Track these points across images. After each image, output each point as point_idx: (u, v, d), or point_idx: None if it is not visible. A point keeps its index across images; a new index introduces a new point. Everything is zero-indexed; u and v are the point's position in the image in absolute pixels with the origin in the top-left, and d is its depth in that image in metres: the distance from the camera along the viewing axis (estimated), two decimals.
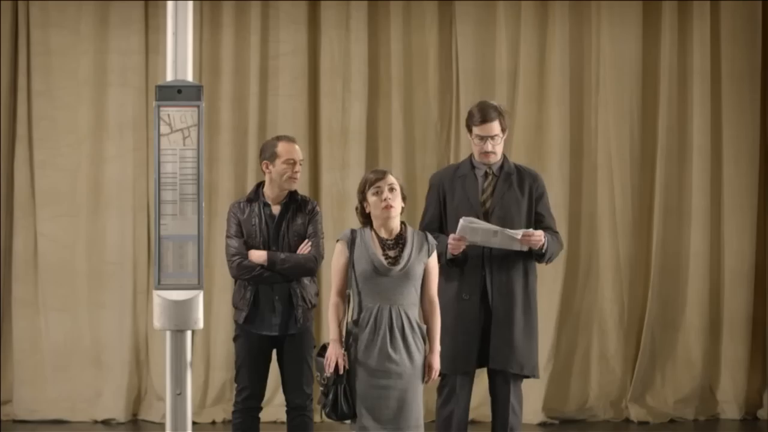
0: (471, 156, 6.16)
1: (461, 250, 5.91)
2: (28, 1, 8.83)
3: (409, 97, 8.93)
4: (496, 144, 6.04)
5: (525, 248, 5.95)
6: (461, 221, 5.86)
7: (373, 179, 5.57)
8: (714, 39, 8.95)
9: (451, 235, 5.91)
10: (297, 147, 6.29)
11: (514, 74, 8.94)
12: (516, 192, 6.06)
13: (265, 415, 6.48)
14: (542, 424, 8.73)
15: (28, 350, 8.79)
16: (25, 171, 8.84)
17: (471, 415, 8.33)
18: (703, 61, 8.91)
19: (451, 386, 6.01)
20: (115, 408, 8.72)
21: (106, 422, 8.73)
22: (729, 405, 8.88)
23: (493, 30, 8.94)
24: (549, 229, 6.12)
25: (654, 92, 8.96)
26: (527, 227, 6.02)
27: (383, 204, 5.52)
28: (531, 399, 8.65)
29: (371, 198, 5.56)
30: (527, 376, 6.11)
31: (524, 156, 8.88)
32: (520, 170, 6.15)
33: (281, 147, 6.25)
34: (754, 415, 8.96)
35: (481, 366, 6.06)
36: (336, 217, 8.84)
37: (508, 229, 5.89)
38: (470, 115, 6.08)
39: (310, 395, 6.29)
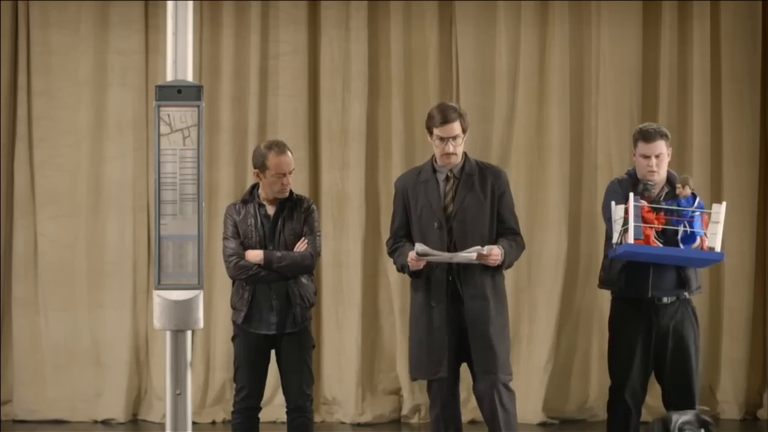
0: (432, 159, 6.10)
1: (421, 267, 5.92)
2: (28, 1, 8.83)
3: (409, 97, 8.93)
4: (457, 145, 5.99)
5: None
6: (417, 247, 5.85)
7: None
8: (714, 39, 8.94)
9: (410, 254, 5.91)
10: (287, 157, 6.20)
11: (514, 74, 8.93)
12: (478, 194, 5.99)
13: (265, 415, 6.48)
14: (542, 424, 8.73)
15: (28, 350, 8.79)
16: (25, 171, 8.84)
17: (471, 415, 8.39)
18: (703, 61, 8.91)
19: (436, 389, 6.02)
20: (115, 408, 8.72)
21: (106, 422, 8.73)
22: (729, 405, 8.88)
23: (493, 30, 8.94)
24: (510, 231, 6.08)
25: (654, 92, 8.96)
26: (491, 229, 6.00)
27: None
28: (531, 399, 8.66)
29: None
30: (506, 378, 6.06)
31: (524, 156, 8.89)
32: (482, 169, 6.08)
33: (271, 159, 6.18)
34: (754, 415, 8.96)
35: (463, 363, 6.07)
36: (336, 217, 8.84)
37: (462, 254, 5.85)
38: (430, 116, 6.01)
39: (310, 396, 6.29)
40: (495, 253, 5.89)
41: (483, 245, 5.90)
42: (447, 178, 6.03)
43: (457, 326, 5.94)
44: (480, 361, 5.93)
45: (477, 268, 5.95)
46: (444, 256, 5.86)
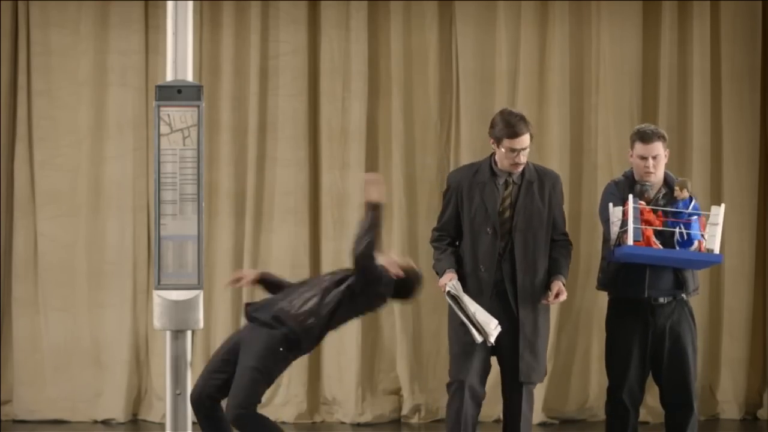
0: (491, 159, 6.06)
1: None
2: (28, 1, 8.83)
3: (409, 97, 8.93)
4: (526, 154, 5.98)
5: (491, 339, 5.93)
6: (452, 286, 5.87)
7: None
8: (714, 39, 8.95)
9: (444, 280, 5.94)
10: None
11: (514, 74, 8.93)
12: (538, 202, 6.00)
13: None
14: (542, 424, 8.73)
15: (28, 350, 8.79)
16: (25, 171, 8.84)
17: None
18: (703, 61, 8.91)
19: (458, 384, 6.02)
20: (115, 408, 8.72)
21: (106, 422, 8.73)
22: (729, 405, 8.88)
23: (493, 30, 8.94)
24: (561, 235, 6.13)
25: (654, 92, 8.96)
26: (546, 237, 6.03)
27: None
28: None
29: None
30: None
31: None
32: (540, 175, 6.08)
33: None
34: (754, 415, 8.96)
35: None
36: (336, 217, 8.83)
37: (484, 318, 5.84)
38: (500, 128, 5.93)
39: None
40: (562, 297, 6.01)
41: (537, 258, 5.97)
42: (506, 183, 6.00)
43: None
44: (516, 368, 5.96)
45: (527, 274, 5.95)
46: (468, 309, 5.83)
